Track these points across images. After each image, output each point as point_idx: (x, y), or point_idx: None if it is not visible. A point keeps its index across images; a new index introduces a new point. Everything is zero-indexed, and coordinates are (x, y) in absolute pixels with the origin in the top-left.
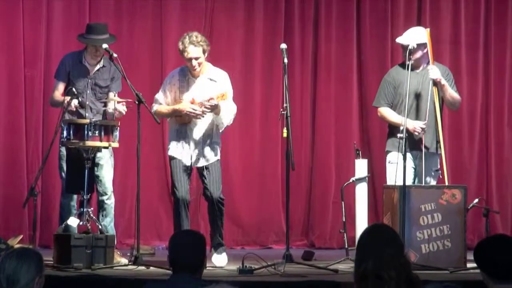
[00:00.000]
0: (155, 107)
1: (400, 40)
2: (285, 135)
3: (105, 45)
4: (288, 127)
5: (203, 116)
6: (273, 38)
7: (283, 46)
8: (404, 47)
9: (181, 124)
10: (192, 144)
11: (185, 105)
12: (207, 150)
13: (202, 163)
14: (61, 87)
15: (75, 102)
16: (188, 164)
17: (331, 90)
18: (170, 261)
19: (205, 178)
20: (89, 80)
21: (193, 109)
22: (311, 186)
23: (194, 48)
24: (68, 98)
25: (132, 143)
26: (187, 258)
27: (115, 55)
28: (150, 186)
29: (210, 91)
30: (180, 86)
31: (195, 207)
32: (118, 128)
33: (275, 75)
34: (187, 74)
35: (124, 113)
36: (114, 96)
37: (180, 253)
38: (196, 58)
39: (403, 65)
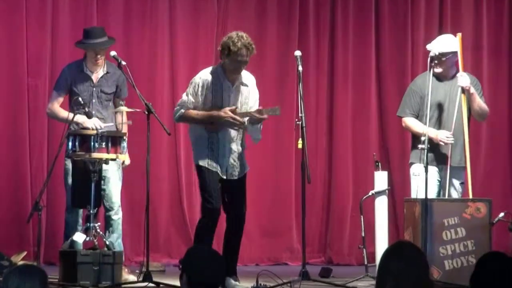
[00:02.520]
0: (182, 111)
1: (428, 47)
2: (300, 146)
3: (113, 53)
4: (304, 137)
5: (243, 128)
6: (287, 44)
7: (298, 53)
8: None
9: (211, 131)
10: (226, 154)
11: (226, 114)
12: (240, 161)
13: (235, 175)
14: (61, 99)
15: (81, 118)
16: (224, 176)
17: (348, 99)
18: (188, 278)
19: (233, 192)
20: (94, 89)
21: (234, 119)
22: (328, 199)
23: (247, 52)
24: (71, 115)
25: (141, 155)
26: (209, 277)
27: (123, 62)
28: (160, 200)
29: (244, 96)
30: (213, 90)
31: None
32: (126, 139)
33: (289, 84)
34: (221, 77)
35: (128, 124)
36: (123, 103)
37: (202, 271)
38: (245, 63)
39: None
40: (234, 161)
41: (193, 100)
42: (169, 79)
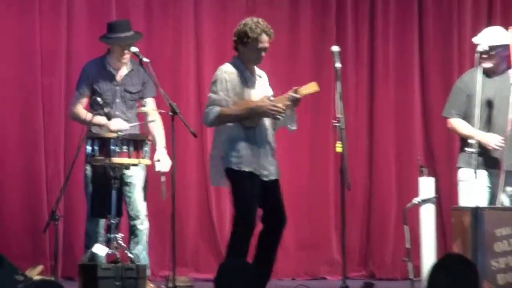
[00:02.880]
0: (217, 109)
1: (475, 40)
2: (338, 149)
3: (134, 49)
4: (342, 140)
5: (283, 116)
6: (323, 38)
7: (335, 48)
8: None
9: (248, 127)
10: (267, 152)
11: (265, 102)
12: (276, 160)
13: (274, 176)
14: (84, 101)
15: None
16: (266, 178)
17: (390, 97)
18: None
19: (274, 196)
20: (117, 88)
21: (276, 107)
22: (369, 208)
23: (267, 37)
24: (90, 116)
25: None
26: None
27: (146, 59)
28: (187, 209)
29: (265, 87)
30: (239, 82)
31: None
32: (149, 143)
33: (325, 81)
34: (243, 69)
35: (167, 170)
36: (150, 101)
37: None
38: (266, 50)
39: (478, 69)
40: (273, 159)
41: (226, 97)
42: (195, 77)
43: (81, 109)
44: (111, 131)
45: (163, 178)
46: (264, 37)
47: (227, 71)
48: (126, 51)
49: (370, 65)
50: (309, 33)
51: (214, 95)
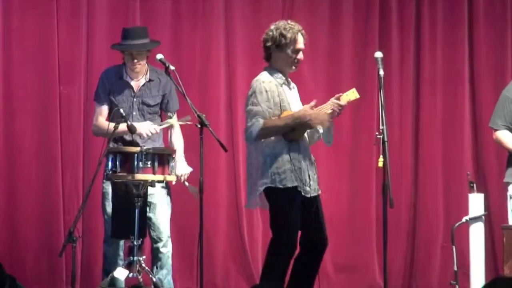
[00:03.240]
0: (260, 121)
1: None
2: (381, 164)
3: (159, 56)
4: (385, 154)
5: (329, 126)
6: (365, 44)
7: (378, 54)
8: None
9: (292, 140)
10: (310, 167)
11: (309, 111)
12: (316, 175)
13: (316, 192)
14: (104, 111)
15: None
16: (308, 195)
17: (437, 108)
18: None
19: (316, 213)
20: (135, 99)
21: (322, 115)
22: (414, 227)
23: (302, 38)
24: (112, 125)
25: (194, 175)
26: None
27: (172, 67)
28: (216, 230)
29: (298, 99)
30: (278, 92)
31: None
32: (175, 157)
33: (367, 90)
34: (278, 77)
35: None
36: (173, 114)
37: None
38: (301, 52)
39: None
40: (315, 173)
41: (268, 108)
42: (226, 87)
43: (103, 121)
44: (139, 135)
45: (187, 183)
46: (301, 37)
47: (265, 81)
48: (136, 61)
49: (416, 73)
50: (351, 38)
51: (255, 107)
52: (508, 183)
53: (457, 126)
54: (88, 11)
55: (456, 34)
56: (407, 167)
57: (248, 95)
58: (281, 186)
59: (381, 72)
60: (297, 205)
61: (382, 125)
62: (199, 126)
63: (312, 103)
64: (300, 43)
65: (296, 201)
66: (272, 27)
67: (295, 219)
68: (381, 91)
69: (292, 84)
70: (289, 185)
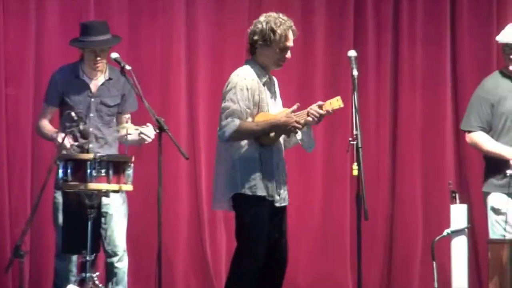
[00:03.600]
0: (236, 122)
1: (500, 38)
2: (355, 172)
3: (114, 54)
4: (360, 161)
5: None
6: (339, 42)
7: (352, 53)
8: (506, 47)
9: (265, 145)
10: (281, 175)
11: (290, 118)
12: (287, 184)
13: (286, 201)
14: (49, 113)
15: (68, 141)
16: (278, 204)
17: (416, 111)
18: None
19: (280, 226)
20: (92, 100)
21: (298, 122)
22: (391, 240)
23: (293, 33)
24: (61, 136)
25: (151, 185)
26: None
27: (128, 67)
28: (177, 244)
29: (279, 98)
30: (259, 90)
31: None
32: (132, 165)
33: (341, 92)
34: (262, 74)
35: (150, 138)
36: (128, 119)
37: None
38: (290, 50)
39: (505, 73)
40: (285, 181)
41: (247, 108)
42: (187, 88)
43: (46, 124)
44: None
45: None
46: (291, 34)
47: (248, 77)
48: (99, 58)
49: (393, 73)
50: (323, 37)
51: (233, 104)
52: (487, 193)
53: (439, 130)
54: (37, 5)
55: (437, 29)
56: (384, 175)
57: (226, 89)
58: (249, 193)
59: (355, 72)
60: (266, 214)
61: (356, 129)
62: (157, 131)
63: (294, 107)
64: (290, 41)
65: (265, 210)
66: (262, 19)
67: (263, 229)
68: (355, 92)
69: (274, 80)
70: (259, 194)
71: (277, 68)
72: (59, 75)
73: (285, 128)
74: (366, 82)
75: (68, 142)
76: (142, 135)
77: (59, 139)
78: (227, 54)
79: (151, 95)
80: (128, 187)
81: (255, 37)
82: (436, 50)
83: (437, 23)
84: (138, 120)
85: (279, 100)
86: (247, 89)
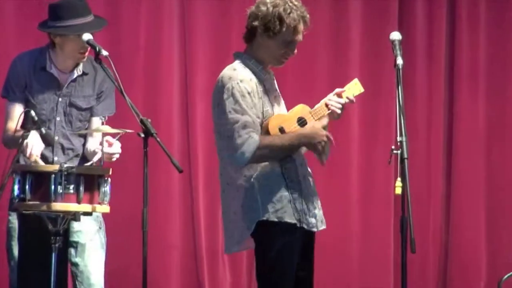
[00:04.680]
0: (255, 138)
1: None
2: (399, 190)
3: (87, 36)
4: (405, 176)
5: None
6: (380, 22)
7: (396, 35)
8: None
9: (285, 159)
10: (308, 188)
11: (321, 131)
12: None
13: (321, 224)
14: (17, 112)
15: (36, 149)
16: (315, 229)
17: (478, 112)
18: None
19: (309, 257)
20: (60, 99)
21: (328, 137)
22: (445, 276)
23: (305, 25)
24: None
25: (135, 204)
26: None
27: (104, 52)
28: (168, 279)
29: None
30: (263, 92)
31: None
32: (109, 179)
33: (382, 86)
34: (261, 73)
35: (118, 154)
36: (102, 124)
37: None
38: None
39: None
40: (317, 196)
41: (257, 118)
42: (180, 81)
43: (13, 128)
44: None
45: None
46: (302, 26)
47: (245, 79)
48: (86, 46)
49: (449, 62)
50: (360, 13)
51: (242, 116)
52: None
53: (507, 137)
54: None
55: (504, 13)
56: (437, 193)
57: (222, 98)
58: (275, 219)
59: (399, 61)
60: (297, 245)
61: (401, 135)
62: (142, 135)
63: (325, 122)
64: (300, 35)
65: (295, 240)
66: (266, 1)
67: (292, 266)
68: (399, 87)
69: (272, 74)
70: (287, 220)
71: (278, 65)
72: (20, 63)
73: (312, 143)
74: (414, 75)
75: (37, 145)
76: (107, 155)
77: (25, 143)
78: (232, 38)
79: (134, 91)
80: (105, 208)
81: (255, 23)
82: (504, 36)
83: (505, 3)
84: (118, 123)
85: (281, 99)
86: (249, 93)
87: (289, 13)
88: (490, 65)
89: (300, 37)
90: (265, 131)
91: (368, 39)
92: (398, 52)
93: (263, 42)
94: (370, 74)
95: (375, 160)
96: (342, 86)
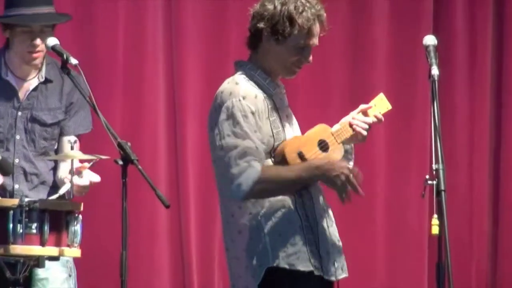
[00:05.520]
0: (256, 167)
1: None
2: (435, 230)
3: (52, 40)
4: (443, 212)
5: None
6: (411, 24)
7: (430, 40)
8: None
9: (299, 195)
10: (327, 227)
11: (341, 167)
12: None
13: (344, 272)
14: None
15: None
16: (334, 278)
17: None
18: None
19: None
20: (20, 113)
21: (351, 170)
22: None
23: (321, 27)
24: None
25: (114, 248)
26: None
27: (74, 61)
28: None
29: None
30: (272, 110)
31: None
32: (81, 216)
33: (414, 100)
34: (270, 86)
35: (88, 184)
36: (74, 143)
37: None
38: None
39: None
40: (339, 240)
41: (261, 143)
42: (167, 95)
43: None
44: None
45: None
46: (317, 28)
47: (248, 96)
48: (38, 42)
49: (496, 75)
50: (387, 15)
51: (242, 140)
52: None
53: None
54: None
55: None
56: (482, 234)
57: (220, 118)
58: (286, 266)
59: (435, 71)
60: None
61: (437, 162)
62: (120, 162)
63: (349, 151)
64: (315, 38)
65: None
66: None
67: None
68: (435, 103)
69: (283, 88)
70: (301, 268)
71: (289, 76)
72: None
73: (328, 176)
74: (453, 88)
75: None
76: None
77: None
78: (230, 42)
79: (111, 107)
80: (74, 252)
81: (261, 24)
82: None
83: None
84: (90, 146)
85: (294, 118)
86: (252, 113)
87: (302, 12)
88: None
89: (315, 40)
90: (281, 158)
91: (397, 44)
92: (434, 60)
93: (271, 48)
94: (399, 87)
95: (405, 192)
96: (364, 101)
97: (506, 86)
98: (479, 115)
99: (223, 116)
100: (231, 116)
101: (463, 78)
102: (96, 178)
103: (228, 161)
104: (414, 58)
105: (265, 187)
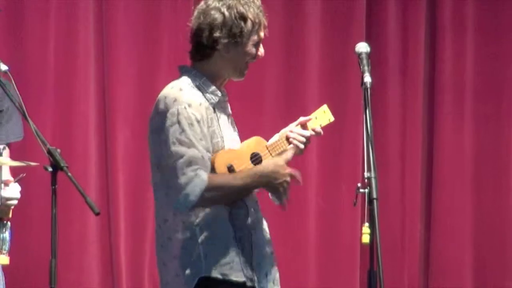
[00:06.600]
0: (203, 176)
1: None
2: (366, 239)
3: None
4: (374, 221)
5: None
6: (343, 31)
7: (362, 47)
8: None
9: (233, 206)
10: (261, 239)
11: (284, 169)
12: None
13: (276, 284)
14: None
15: None
16: None
17: (465, 140)
18: None
19: None
20: None
21: (291, 174)
22: None
23: (265, 20)
24: None
25: (44, 256)
26: None
27: (3, 67)
28: None
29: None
30: (214, 120)
31: None
32: (9, 223)
33: (347, 108)
34: (213, 93)
35: (17, 197)
36: (3, 150)
37: None
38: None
39: None
40: (272, 252)
41: (207, 152)
42: (98, 100)
43: None
44: None
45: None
46: (264, 20)
47: (193, 103)
48: None
49: (429, 81)
50: (319, 20)
51: (187, 149)
52: None
53: (500, 171)
54: None
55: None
56: (414, 241)
57: (164, 124)
58: (219, 277)
59: (367, 79)
60: None
61: (369, 170)
62: (50, 169)
63: (289, 156)
64: (266, 29)
65: None
66: (215, 3)
67: None
68: (367, 110)
69: (225, 94)
70: (234, 278)
71: (240, 77)
72: None
73: (273, 183)
74: (385, 95)
75: None
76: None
77: None
78: (163, 45)
79: (41, 113)
80: (3, 259)
81: (216, 34)
82: (496, 47)
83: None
84: (19, 153)
85: (235, 127)
86: (197, 121)
87: (249, 8)
88: (479, 81)
89: (266, 32)
90: (211, 169)
91: (329, 51)
92: (366, 67)
93: (229, 53)
94: (331, 94)
95: (337, 201)
96: (297, 107)
97: (439, 92)
98: (412, 121)
99: (168, 122)
100: (178, 123)
101: (396, 85)
102: (14, 194)
103: (175, 170)
104: (347, 65)
105: (212, 196)
